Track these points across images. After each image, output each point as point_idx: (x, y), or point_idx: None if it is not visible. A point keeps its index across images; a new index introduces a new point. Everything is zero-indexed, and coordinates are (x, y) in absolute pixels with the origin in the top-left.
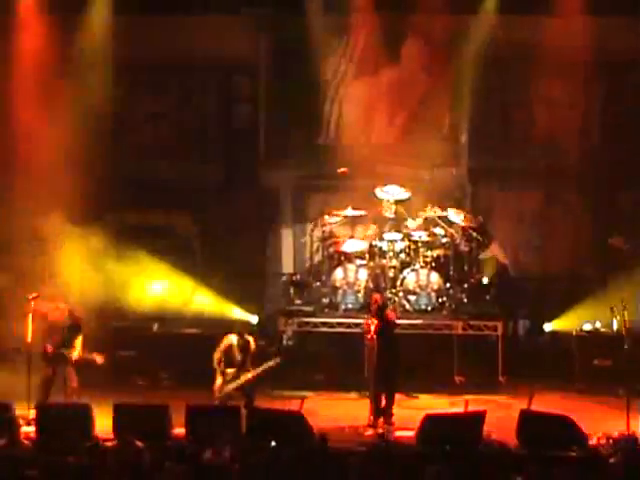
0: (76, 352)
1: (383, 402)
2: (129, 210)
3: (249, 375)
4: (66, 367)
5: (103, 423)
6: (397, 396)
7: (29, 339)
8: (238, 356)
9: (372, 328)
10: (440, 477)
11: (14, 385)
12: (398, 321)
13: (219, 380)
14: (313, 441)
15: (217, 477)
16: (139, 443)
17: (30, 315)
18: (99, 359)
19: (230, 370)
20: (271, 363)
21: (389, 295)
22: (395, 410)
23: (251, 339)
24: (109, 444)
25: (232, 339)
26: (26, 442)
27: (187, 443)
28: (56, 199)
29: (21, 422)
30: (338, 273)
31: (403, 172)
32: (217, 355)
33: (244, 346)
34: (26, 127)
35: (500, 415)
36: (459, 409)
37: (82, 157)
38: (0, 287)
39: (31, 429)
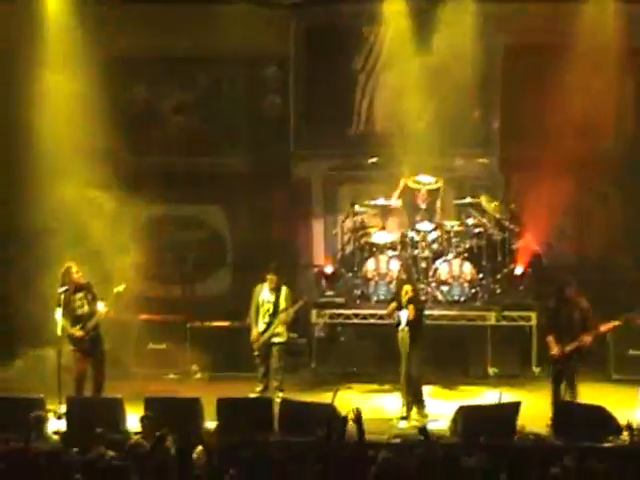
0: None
1: (415, 394)
2: (158, 202)
3: (281, 318)
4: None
5: (134, 418)
6: (431, 388)
7: (59, 332)
8: (270, 305)
9: (403, 319)
10: (475, 469)
11: (49, 377)
12: (428, 312)
13: (254, 331)
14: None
15: (248, 470)
16: (169, 437)
17: (60, 308)
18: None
19: (264, 319)
20: (300, 303)
21: (421, 286)
22: (429, 402)
23: (284, 288)
24: (139, 438)
25: (263, 288)
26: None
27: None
28: (83, 191)
29: (51, 417)
30: (370, 264)
31: (434, 162)
32: (252, 307)
33: (276, 294)
34: (52, 119)
35: (535, 406)
36: (493, 401)
37: (110, 149)
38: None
39: (62, 423)
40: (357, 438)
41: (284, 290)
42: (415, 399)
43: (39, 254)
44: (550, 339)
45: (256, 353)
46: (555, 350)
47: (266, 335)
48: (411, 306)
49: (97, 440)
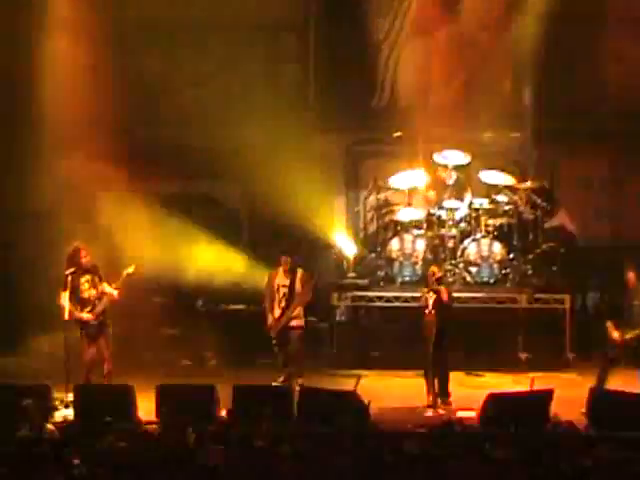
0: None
1: (440, 381)
2: (171, 179)
3: (298, 301)
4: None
5: (145, 406)
6: (458, 374)
7: (66, 316)
8: (286, 289)
9: (430, 302)
10: (505, 460)
11: (55, 363)
12: (456, 294)
13: (270, 318)
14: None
15: (265, 460)
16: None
17: (67, 292)
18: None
19: (280, 305)
20: (314, 281)
21: (449, 267)
22: (457, 389)
23: (299, 270)
24: (152, 428)
25: (278, 272)
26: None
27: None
28: (94, 166)
29: (58, 405)
30: (394, 244)
31: (462, 136)
32: (267, 293)
33: (291, 276)
34: (64, 93)
35: (568, 394)
36: (524, 388)
37: (120, 122)
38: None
39: (69, 412)
40: None
41: (299, 272)
42: (441, 387)
43: (44, 235)
44: (610, 324)
45: (274, 341)
46: (616, 335)
47: (283, 319)
48: (442, 287)
49: (106, 430)
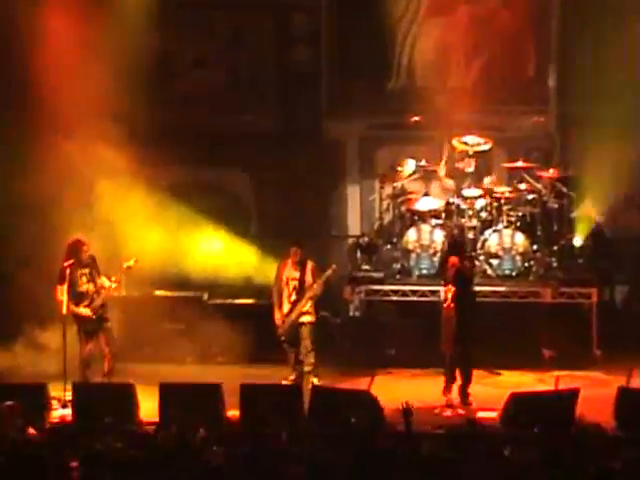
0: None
1: (459, 379)
2: (174, 166)
3: (308, 295)
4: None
5: (147, 405)
6: (478, 373)
7: (64, 311)
8: (296, 282)
9: (449, 296)
10: (528, 463)
11: (52, 360)
12: (476, 288)
13: (278, 314)
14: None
15: (274, 463)
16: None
17: (66, 285)
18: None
19: (289, 299)
20: (329, 272)
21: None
22: (477, 388)
23: (309, 262)
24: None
25: (287, 265)
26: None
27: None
28: (92, 152)
29: (55, 405)
30: (411, 234)
31: (483, 120)
32: (275, 287)
33: (301, 269)
34: (61, 75)
35: (595, 394)
36: (548, 387)
37: (122, 107)
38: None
39: (67, 412)
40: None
41: (310, 264)
42: (463, 386)
43: (41, 225)
44: None
45: (282, 338)
46: None
47: (293, 315)
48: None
49: (106, 431)
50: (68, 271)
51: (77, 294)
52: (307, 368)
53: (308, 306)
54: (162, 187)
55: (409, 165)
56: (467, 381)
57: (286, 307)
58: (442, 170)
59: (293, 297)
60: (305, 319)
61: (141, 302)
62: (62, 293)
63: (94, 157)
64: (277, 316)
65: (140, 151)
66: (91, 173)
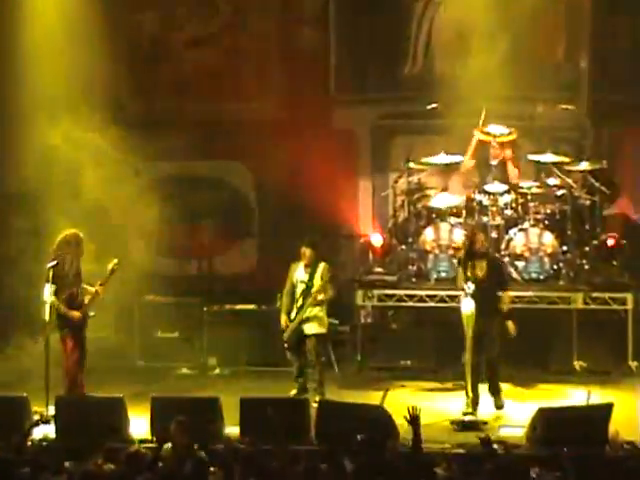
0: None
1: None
2: (170, 156)
3: (311, 300)
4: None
5: (138, 422)
6: (503, 386)
7: (47, 316)
8: (304, 285)
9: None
10: None
11: (34, 371)
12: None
13: (283, 318)
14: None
15: None
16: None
17: (49, 285)
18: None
19: (297, 304)
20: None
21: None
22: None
23: (322, 264)
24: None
25: (298, 266)
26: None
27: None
28: (81, 140)
29: (37, 420)
30: (428, 234)
31: (508, 108)
32: (286, 289)
33: (311, 272)
34: (45, 56)
35: (630, 409)
36: (579, 402)
37: (114, 90)
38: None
39: (50, 429)
40: (412, 446)
41: (321, 266)
42: (494, 396)
43: (22, 219)
44: None
45: (286, 346)
46: None
47: (296, 321)
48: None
49: (93, 449)
50: (52, 272)
51: (68, 295)
52: (311, 385)
53: (314, 313)
54: (156, 179)
55: (437, 159)
56: (497, 390)
57: (294, 312)
58: (469, 162)
59: (300, 302)
60: (310, 329)
61: (130, 308)
62: (46, 294)
63: (82, 145)
64: (283, 320)
65: (132, 140)
66: (79, 163)
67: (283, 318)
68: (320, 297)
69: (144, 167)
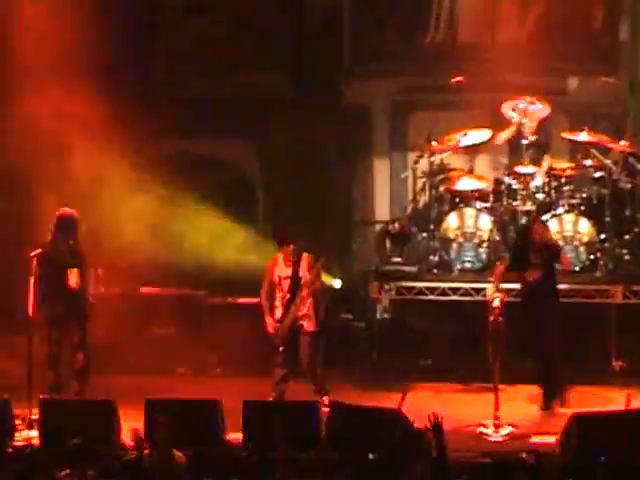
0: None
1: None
2: (167, 134)
3: (302, 294)
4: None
5: (131, 426)
6: (533, 389)
7: (30, 310)
8: (288, 280)
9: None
10: None
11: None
12: None
13: (270, 321)
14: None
15: None
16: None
17: (32, 278)
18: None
19: (282, 303)
20: (319, 263)
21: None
22: (531, 408)
23: (305, 255)
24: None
25: (277, 262)
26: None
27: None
28: (69, 114)
29: (20, 425)
30: (451, 220)
31: (540, 82)
32: (264, 289)
33: (294, 266)
34: (32, 20)
35: None
36: (618, 406)
37: (105, 59)
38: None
39: (34, 434)
40: (435, 455)
41: (305, 257)
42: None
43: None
44: None
45: (281, 349)
46: None
47: (287, 319)
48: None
49: (80, 457)
50: (35, 263)
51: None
52: (317, 386)
53: (305, 309)
54: (151, 159)
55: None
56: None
57: (279, 311)
58: (502, 138)
59: (287, 300)
60: (305, 326)
61: (123, 301)
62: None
63: (71, 121)
64: (268, 322)
65: (126, 116)
66: (67, 140)
67: (268, 320)
68: (306, 291)
69: (137, 144)
